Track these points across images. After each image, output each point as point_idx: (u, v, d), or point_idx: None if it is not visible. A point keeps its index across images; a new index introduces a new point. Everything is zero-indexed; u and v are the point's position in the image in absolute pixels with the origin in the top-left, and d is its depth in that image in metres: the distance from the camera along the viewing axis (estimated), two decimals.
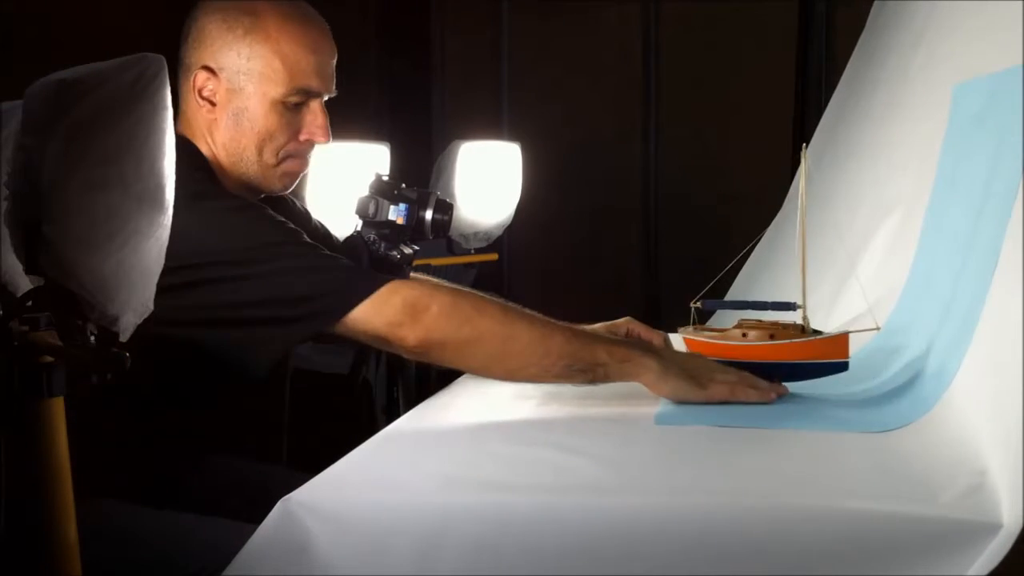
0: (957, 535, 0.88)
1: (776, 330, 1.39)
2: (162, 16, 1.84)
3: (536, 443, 1.18)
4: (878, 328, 1.42)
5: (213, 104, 1.46)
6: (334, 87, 1.51)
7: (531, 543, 0.96)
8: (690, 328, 1.47)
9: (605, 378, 1.37)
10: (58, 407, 0.91)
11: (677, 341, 1.52)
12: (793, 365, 1.37)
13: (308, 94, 1.47)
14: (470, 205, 1.83)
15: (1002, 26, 1.46)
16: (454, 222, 1.67)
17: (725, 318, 1.53)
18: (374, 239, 1.60)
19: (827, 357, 1.36)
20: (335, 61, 1.51)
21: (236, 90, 1.45)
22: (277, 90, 1.44)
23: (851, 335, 1.38)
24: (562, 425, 1.29)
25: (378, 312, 1.32)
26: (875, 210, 1.87)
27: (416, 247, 1.64)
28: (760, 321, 1.42)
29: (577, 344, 1.36)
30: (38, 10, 2.52)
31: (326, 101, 1.50)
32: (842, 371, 1.37)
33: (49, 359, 0.90)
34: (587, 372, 1.36)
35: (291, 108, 1.46)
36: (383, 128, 3.50)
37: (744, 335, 1.40)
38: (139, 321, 0.96)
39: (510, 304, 1.41)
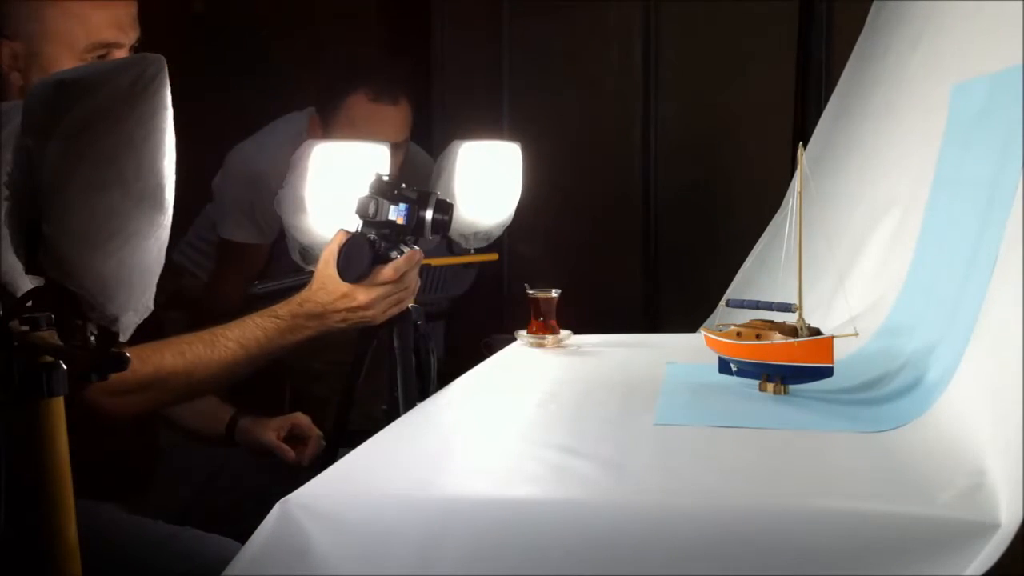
0: (955, 535, 0.88)
1: (765, 330, 1.39)
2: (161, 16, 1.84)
3: (536, 443, 1.18)
4: (857, 334, 1.41)
5: (20, 71, 1.42)
6: (135, 35, 1.47)
7: (531, 543, 0.96)
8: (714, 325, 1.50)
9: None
10: (58, 407, 0.91)
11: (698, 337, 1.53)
12: (776, 367, 1.37)
13: (108, 47, 1.44)
14: (470, 205, 1.82)
15: (1001, 26, 1.46)
16: (454, 222, 1.67)
17: (740, 315, 1.54)
18: (375, 239, 1.60)
19: (809, 360, 1.34)
20: (134, 8, 1.47)
21: (36, 53, 1.41)
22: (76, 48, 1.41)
23: (841, 338, 1.37)
24: (562, 425, 1.29)
25: None
26: (873, 209, 1.87)
27: (416, 247, 1.64)
28: (766, 322, 1.42)
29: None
30: None
31: None
32: (827, 376, 1.34)
33: (49, 359, 0.90)
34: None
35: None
36: None
37: (738, 334, 1.42)
38: (139, 321, 0.96)
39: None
